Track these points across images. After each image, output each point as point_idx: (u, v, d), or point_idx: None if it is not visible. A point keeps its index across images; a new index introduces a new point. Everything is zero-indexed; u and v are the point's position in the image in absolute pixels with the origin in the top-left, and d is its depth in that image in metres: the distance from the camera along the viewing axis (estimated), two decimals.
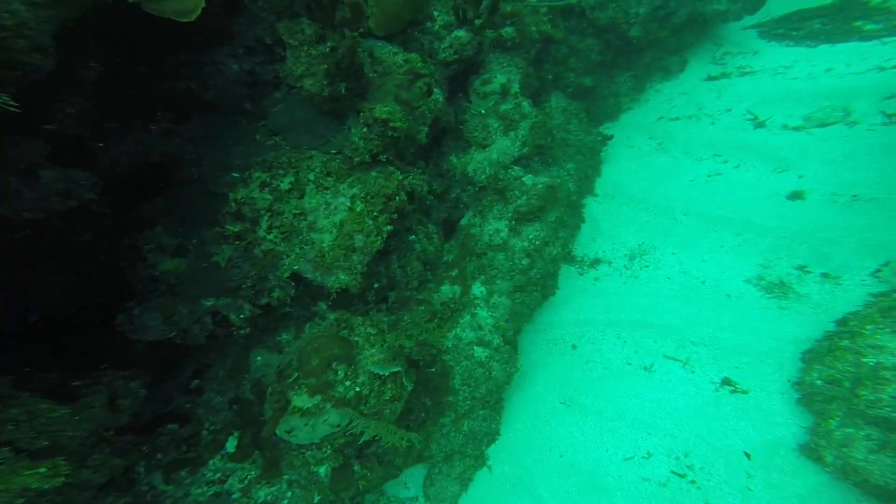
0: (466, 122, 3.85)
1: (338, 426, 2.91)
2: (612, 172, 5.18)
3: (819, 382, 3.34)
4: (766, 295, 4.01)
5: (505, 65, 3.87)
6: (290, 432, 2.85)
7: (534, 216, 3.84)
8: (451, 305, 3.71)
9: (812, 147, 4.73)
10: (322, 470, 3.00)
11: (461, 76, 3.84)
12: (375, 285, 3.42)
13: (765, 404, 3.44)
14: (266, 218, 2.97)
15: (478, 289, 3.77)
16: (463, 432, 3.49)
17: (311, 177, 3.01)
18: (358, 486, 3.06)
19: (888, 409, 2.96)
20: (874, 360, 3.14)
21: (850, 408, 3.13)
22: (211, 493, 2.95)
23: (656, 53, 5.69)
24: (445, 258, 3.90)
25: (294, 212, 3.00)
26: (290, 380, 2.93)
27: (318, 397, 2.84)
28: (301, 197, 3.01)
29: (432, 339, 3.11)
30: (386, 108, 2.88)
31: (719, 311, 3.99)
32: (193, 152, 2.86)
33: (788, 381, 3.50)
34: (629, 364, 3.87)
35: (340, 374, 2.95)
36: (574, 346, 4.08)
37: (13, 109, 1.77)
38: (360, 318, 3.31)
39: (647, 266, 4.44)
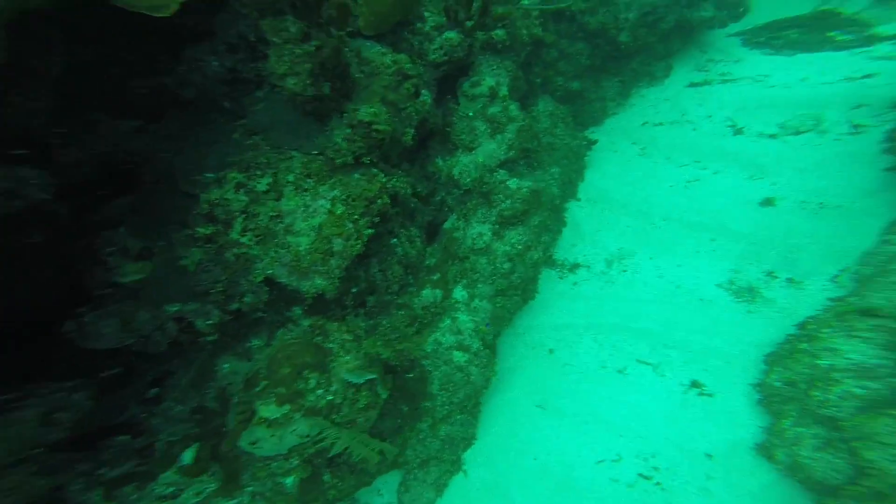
0: (454, 124, 3.77)
1: (307, 436, 2.84)
2: (596, 177, 5.20)
3: (778, 384, 3.47)
4: (736, 299, 4.14)
5: (494, 67, 3.79)
6: (254, 444, 2.77)
7: (517, 220, 3.83)
8: (432, 310, 3.69)
9: (786, 155, 4.87)
10: (289, 481, 2.93)
11: (450, 78, 3.75)
12: (354, 290, 3.36)
13: (728, 406, 3.58)
14: (240, 220, 2.85)
15: (459, 293, 3.76)
16: (440, 437, 3.51)
17: (291, 178, 2.89)
18: (328, 496, 3.03)
19: (834, 408, 3.10)
20: (828, 363, 3.28)
21: (803, 408, 3.27)
22: None
23: (644, 59, 5.71)
24: (428, 262, 3.85)
25: (270, 214, 2.89)
26: (258, 388, 2.86)
27: (286, 407, 2.77)
28: (279, 199, 2.90)
29: (411, 349, 3.08)
30: (371, 110, 2.77)
31: (692, 315, 4.11)
32: (166, 151, 2.69)
33: (751, 383, 3.64)
34: (604, 367, 3.96)
35: (312, 382, 2.88)
36: (552, 351, 4.14)
37: None
38: (335, 323, 3.25)
39: (626, 270, 4.52)
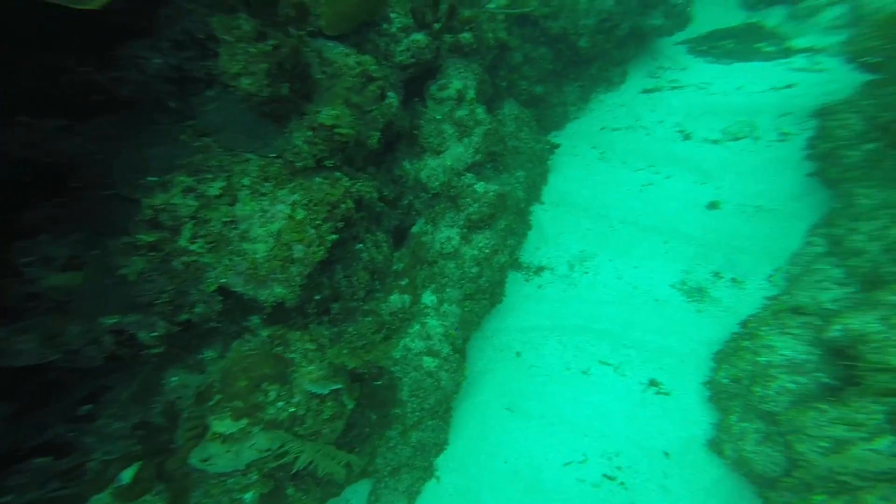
0: (422, 127, 3.69)
1: (268, 450, 2.71)
2: (559, 180, 5.32)
3: (725, 381, 3.61)
4: (688, 299, 4.34)
5: (462, 70, 3.74)
6: (206, 461, 2.61)
7: (485, 224, 3.82)
8: (401, 315, 3.60)
9: (728, 160, 5.16)
10: (248, 497, 2.77)
11: (418, 80, 3.66)
12: (317, 297, 3.20)
13: (683, 403, 3.76)
14: (189, 226, 2.61)
15: (428, 298, 3.69)
16: (411, 444, 3.45)
17: (246, 182, 2.69)
18: None
19: (772, 403, 3.24)
20: (766, 359, 3.43)
21: (747, 404, 3.39)
22: None
23: (602, 64, 5.90)
24: (396, 267, 3.75)
25: (224, 220, 2.68)
26: (212, 402, 2.69)
27: (244, 421, 2.63)
28: (233, 204, 2.69)
29: (378, 359, 2.99)
30: (333, 112, 2.63)
31: (648, 315, 4.28)
32: (99, 153, 2.40)
33: (702, 381, 3.83)
34: (568, 369, 4.06)
35: (272, 394, 2.74)
36: (518, 353, 4.18)
37: None
38: (297, 332, 3.09)
39: (587, 272, 4.66)
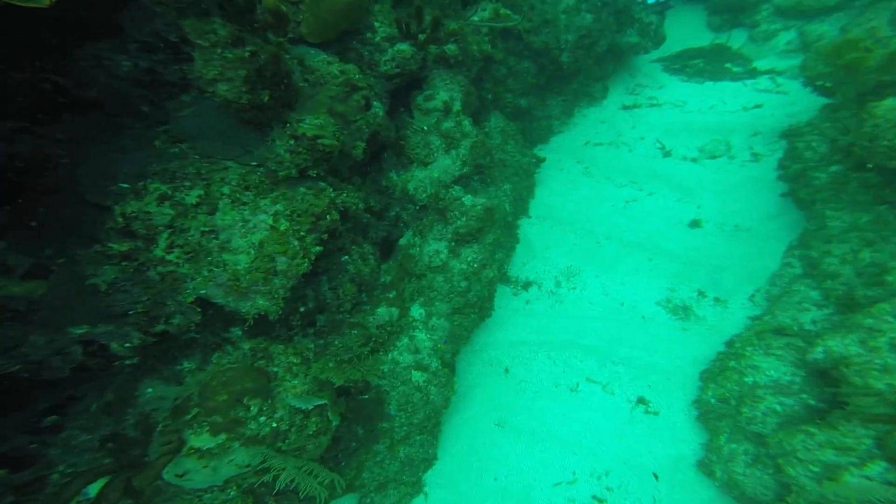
0: (408, 137, 3.67)
1: (247, 466, 2.62)
2: (545, 194, 5.36)
3: (713, 401, 3.54)
4: (673, 317, 4.32)
5: (448, 81, 3.77)
6: (182, 476, 2.51)
7: (473, 238, 3.79)
8: (388, 328, 3.50)
9: (706, 178, 5.26)
10: None
11: (403, 90, 3.66)
12: (301, 309, 3.09)
13: (671, 422, 3.69)
14: (165, 235, 2.50)
15: (417, 311, 3.61)
16: (399, 459, 3.33)
17: (226, 190, 2.60)
18: None
19: (760, 424, 3.20)
20: (752, 380, 3.39)
21: (735, 424, 3.34)
22: None
23: (584, 80, 6.05)
24: (383, 279, 3.67)
25: (202, 229, 2.57)
26: (189, 416, 2.58)
27: (222, 436, 2.53)
28: (212, 212, 2.58)
29: (365, 375, 2.88)
30: (317, 121, 2.59)
31: (635, 332, 4.25)
32: (64, 157, 2.28)
33: (690, 399, 3.77)
34: (557, 385, 3.99)
35: (254, 409, 2.65)
36: (507, 369, 4.11)
37: None
38: (281, 345, 2.98)
39: (575, 288, 4.65)
